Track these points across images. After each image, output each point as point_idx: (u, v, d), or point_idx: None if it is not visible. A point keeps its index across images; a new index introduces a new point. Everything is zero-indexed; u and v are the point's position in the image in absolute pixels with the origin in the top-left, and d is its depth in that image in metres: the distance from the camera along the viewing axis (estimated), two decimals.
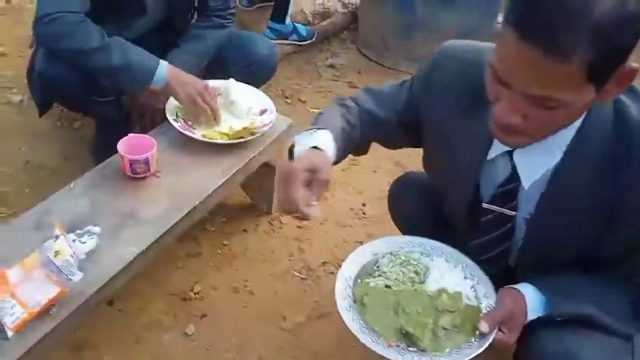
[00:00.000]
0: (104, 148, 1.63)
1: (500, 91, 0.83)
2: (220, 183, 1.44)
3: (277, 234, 1.81)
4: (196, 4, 1.80)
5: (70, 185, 1.38)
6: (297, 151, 0.99)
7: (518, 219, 1.03)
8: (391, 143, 1.24)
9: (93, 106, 1.70)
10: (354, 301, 1.04)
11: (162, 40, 1.76)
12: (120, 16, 1.64)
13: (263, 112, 1.65)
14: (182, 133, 1.51)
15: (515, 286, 1.03)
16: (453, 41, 1.09)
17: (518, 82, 0.78)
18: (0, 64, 2.44)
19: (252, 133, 1.55)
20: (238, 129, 1.57)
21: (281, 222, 1.85)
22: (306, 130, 1.04)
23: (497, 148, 0.99)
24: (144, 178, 1.41)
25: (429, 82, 1.08)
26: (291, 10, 2.70)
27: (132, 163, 1.38)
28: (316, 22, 3.05)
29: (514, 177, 0.99)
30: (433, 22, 2.58)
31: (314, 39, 2.83)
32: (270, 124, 1.59)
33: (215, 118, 1.57)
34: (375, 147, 1.22)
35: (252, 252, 1.74)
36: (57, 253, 1.09)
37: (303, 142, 1.00)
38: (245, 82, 1.71)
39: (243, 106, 1.64)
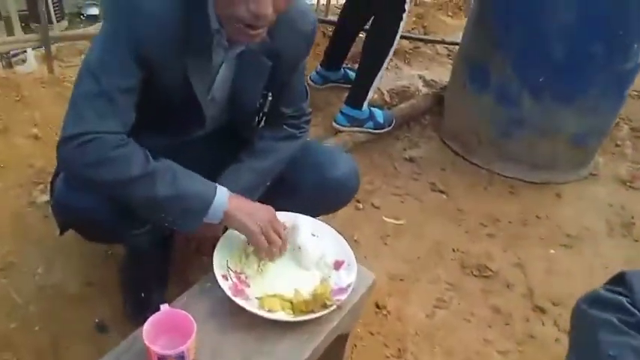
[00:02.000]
0: (135, 280, 1.38)
1: None
2: None
3: None
4: (265, 109, 1.42)
5: None
6: None
7: None
8: None
9: (123, 238, 1.34)
10: None
11: (220, 145, 1.40)
12: (173, 130, 1.28)
13: (339, 264, 1.24)
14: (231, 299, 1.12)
15: None
16: None
17: None
18: (30, 149, 2.03)
19: (325, 305, 1.14)
20: (306, 297, 1.16)
21: None
22: None
23: None
24: None
25: None
26: (371, 95, 2.30)
27: (161, 359, 0.99)
28: (394, 103, 2.65)
29: None
30: (542, 119, 2.10)
31: (392, 126, 2.43)
32: (350, 290, 1.18)
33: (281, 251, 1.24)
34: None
35: None
36: None
37: None
38: (315, 209, 1.32)
39: (312, 255, 1.24)
